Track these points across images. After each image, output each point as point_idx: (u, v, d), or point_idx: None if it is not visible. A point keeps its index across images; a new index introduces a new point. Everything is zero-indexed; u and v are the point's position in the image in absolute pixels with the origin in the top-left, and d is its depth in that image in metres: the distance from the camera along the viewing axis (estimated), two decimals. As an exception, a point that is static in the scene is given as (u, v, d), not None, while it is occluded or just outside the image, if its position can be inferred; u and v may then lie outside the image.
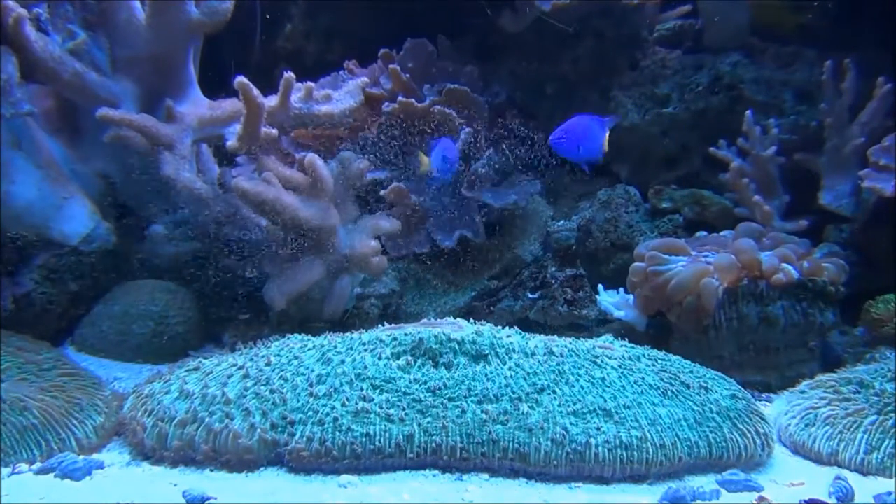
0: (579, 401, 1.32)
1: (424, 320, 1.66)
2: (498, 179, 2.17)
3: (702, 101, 2.27)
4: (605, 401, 1.33)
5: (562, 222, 2.23)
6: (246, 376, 1.38)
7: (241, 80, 1.73)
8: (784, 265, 1.76)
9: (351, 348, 1.42)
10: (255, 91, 1.75)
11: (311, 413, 1.29)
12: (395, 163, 2.14)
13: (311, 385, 1.33)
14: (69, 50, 1.78)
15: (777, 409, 1.59)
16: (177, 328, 1.87)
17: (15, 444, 1.28)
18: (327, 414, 1.29)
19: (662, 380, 1.40)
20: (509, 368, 1.37)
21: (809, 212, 2.10)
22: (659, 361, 1.48)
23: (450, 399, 1.31)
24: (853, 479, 1.31)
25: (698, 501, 1.21)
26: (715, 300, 1.73)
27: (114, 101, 1.82)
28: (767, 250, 1.83)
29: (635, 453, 1.27)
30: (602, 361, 1.42)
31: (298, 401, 1.31)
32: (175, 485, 1.22)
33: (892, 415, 1.39)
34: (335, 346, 1.43)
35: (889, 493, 1.23)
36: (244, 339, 1.85)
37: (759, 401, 1.66)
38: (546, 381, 1.35)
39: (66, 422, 1.35)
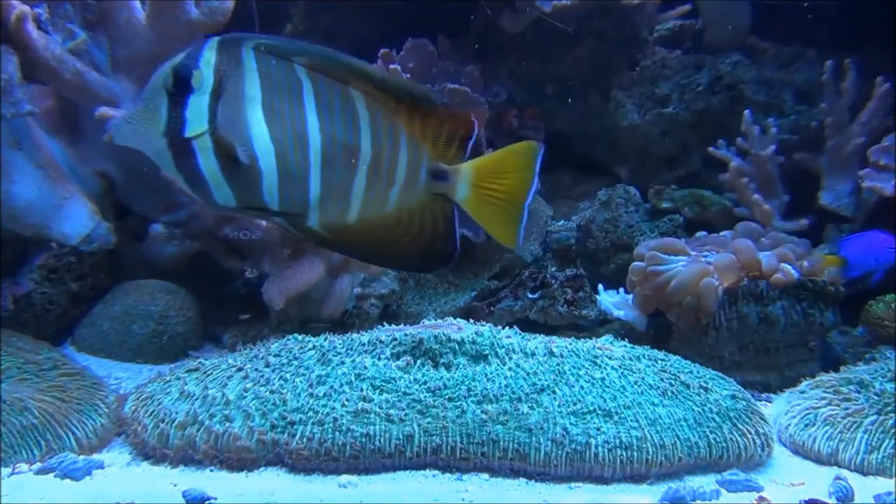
0: (579, 401, 1.32)
1: (424, 321, 1.66)
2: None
3: (702, 101, 2.28)
4: (605, 401, 1.33)
5: (562, 222, 2.23)
6: (245, 377, 1.38)
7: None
8: (784, 265, 1.76)
9: (350, 349, 1.42)
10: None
11: (310, 413, 1.29)
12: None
13: (310, 386, 1.33)
14: (69, 50, 1.78)
15: (777, 409, 1.59)
16: (177, 328, 1.87)
17: (15, 444, 1.28)
18: (327, 414, 1.29)
19: (662, 380, 1.40)
20: (509, 369, 1.37)
21: (809, 212, 2.10)
22: (659, 361, 1.48)
23: (449, 399, 1.31)
24: (853, 479, 1.30)
25: (698, 501, 1.21)
26: (715, 300, 1.73)
27: (114, 100, 1.81)
28: (767, 250, 1.83)
29: (635, 453, 1.27)
30: (602, 362, 1.42)
31: (298, 401, 1.31)
32: (175, 485, 1.22)
33: (892, 415, 1.39)
34: (335, 347, 1.43)
35: (889, 493, 1.23)
36: (244, 340, 1.85)
37: (759, 401, 1.66)
38: (546, 381, 1.35)
39: (66, 422, 1.35)
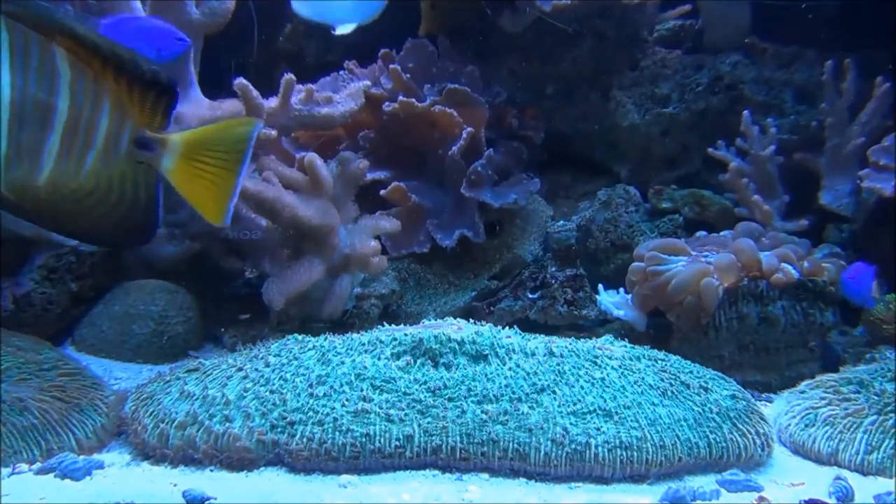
0: (579, 401, 1.32)
1: (424, 321, 1.66)
2: (497, 179, 2.18)
3: (702, 101, 2.28)
4: (605, 401, 1.33)
5: (562, 222, 2.24)
6: (245, 377, 1.38)
7: (240, 81, 1.74)
8: (784, 265, 1.76)
9: (350, 349, 1.42)
10: (255, 93, 1.76)
11: (310, 413, 1.29)
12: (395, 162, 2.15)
13: (310, 386, 1.34)
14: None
15: (777, 409, 1.59)
16: (177, 328, 1.87)
17: (15, 444, 1.28)
18: (327, 414, 1.29)
19: (662, 380, 1.40)
20: (509, 369, 1.37)
21: (809, 212, 2.10)
22: (659, 361, 1.48)
23: (450, 399, 1.31)
24: (853, 479, 1.31)
25: (698, 501, 1.21)
26: (715, 300, 1.73)
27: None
28: (767, 250, 1.83)
29: (635, 453, 1.27)
30: (602, 362, 1.42)
31: (298, 401, 1.31)
32: (175, 485, 1.23)
33: (892, 415, 1.39)
34: (335, 347, 1.43)
35: (889, 493, 1.23)
36: (244, 340, 1.85)
37: (759, 401, 1.66)
38: (546, 381, 1.35)
39: (66, 422, 1.35)
